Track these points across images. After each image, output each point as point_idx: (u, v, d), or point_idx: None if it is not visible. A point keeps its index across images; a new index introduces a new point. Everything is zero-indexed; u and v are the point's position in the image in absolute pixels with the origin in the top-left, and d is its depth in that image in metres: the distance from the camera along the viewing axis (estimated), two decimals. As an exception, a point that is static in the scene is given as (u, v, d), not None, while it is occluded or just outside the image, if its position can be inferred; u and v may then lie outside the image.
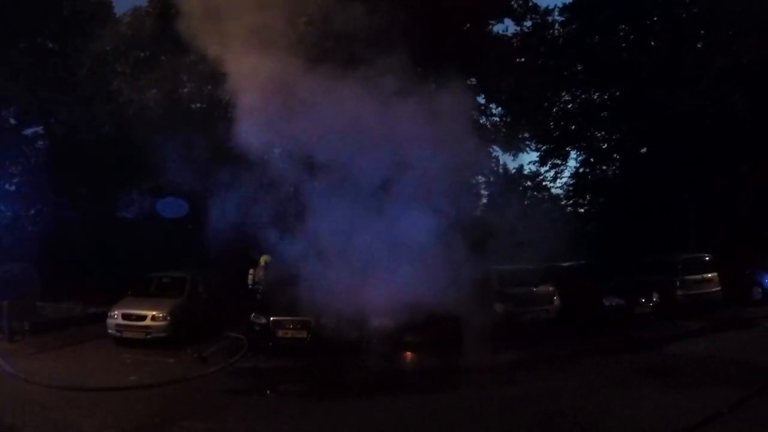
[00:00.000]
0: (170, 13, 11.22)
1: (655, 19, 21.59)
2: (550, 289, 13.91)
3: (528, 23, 21.05)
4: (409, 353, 10.99)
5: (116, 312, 12.40)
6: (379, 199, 10.13)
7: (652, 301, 14.04)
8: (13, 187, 21.45)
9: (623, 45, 21.84)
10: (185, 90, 15.44)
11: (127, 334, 12.21)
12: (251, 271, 13.85)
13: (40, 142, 21.16)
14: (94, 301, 14.92)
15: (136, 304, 12.66)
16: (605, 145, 23.74)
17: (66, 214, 17.84)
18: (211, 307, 14.09)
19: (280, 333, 11.29)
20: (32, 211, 21.33)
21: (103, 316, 12.74)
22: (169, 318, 12.23)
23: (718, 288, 15.35)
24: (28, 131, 20.94)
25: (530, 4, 20.73)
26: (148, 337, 12.09)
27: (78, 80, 17.45)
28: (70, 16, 18.88)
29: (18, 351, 11.49)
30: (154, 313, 12.22)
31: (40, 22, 18.35)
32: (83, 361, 11.02)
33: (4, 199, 21.33)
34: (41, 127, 20.83)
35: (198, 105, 15.93)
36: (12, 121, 20.63)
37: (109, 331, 12.40)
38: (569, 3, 21.77)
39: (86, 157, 17.35)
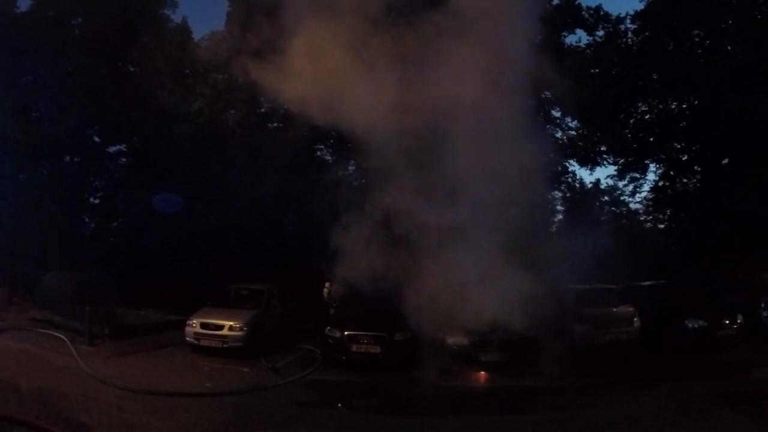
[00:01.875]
0: (245, 37, 11.66)
1: (730, 22, 20.42)
2: (630, 309, 13.26)
3: (600, 33, 20.56)
4: (483, 372, 10.70)
5: (195, 321, 12.80)
6: (460, 214, 9.97)
7: (736, 323, 13.12)
8: (97, 201, 22.99)
9: (698, 51, 20.80)
10: (262, 110, 15.97)
11: (205, 343, 12.53)
12: (326, 284, 14.02)
13: (123, 159, 22.56)
14: (172, 309, 15.49)
15: (215, 313, 13.02)
16: (685, 157, 22.51)
17: (146, 226, 18.76)
18: (287, 320, 14.34)
19: (354, 347, 11.31)
20: (114, 224, 22.68)
21: (181, 324, 13.18)
22: (245, 329, 12.49)
23: (807, 309, 14.10)
24: (112, 149, 22.39)
25: (601, 13, 20.30)
26: (225, 346, 12.37)
27: (159, 101, 18.45)
28: (150, 41, 20.03)
29: (97, 354, 11.83)
30: (231, 323, 12.52)
31: (121, 48, 19.57)
32: (160, 366, 11.32)
33: (89, 212, 22.85)
34: (124, 145, 22.20)
35: (275, 124, 16.44)
36: (96, 139, 22.13)
37: (187, 338, 12.79)
38: (641, 10, 21.05)
39: (167, 172, 18.24)
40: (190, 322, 12.82)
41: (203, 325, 12.64)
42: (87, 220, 23.16)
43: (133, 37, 19.63)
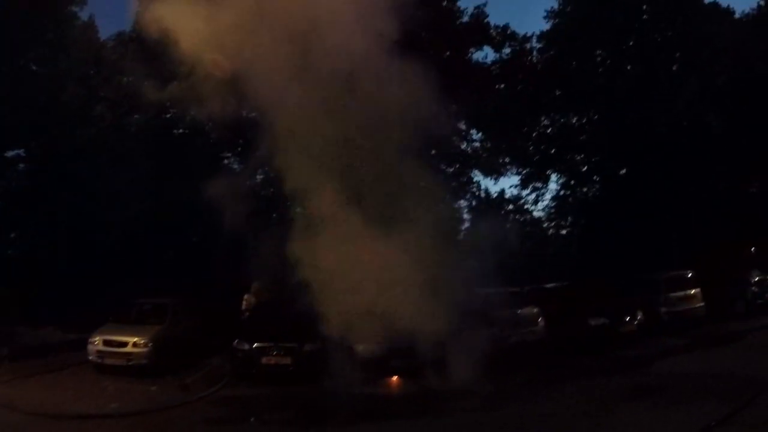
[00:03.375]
0: (153, 39, 11.29)
1: (631, 44, 22.34)
2: (535, 311, 13.97)
3: (507, 50, 21.72)
4: (394, 378, 10.96)
5: (97, 338, 12.23)
6: (366, 222, 10.15)
7: (636, 319, 14.19)
8: (-8, 210, 21.11)
9: (600, 70, 22.57)
10: (167, 116, 15.45)
11: (108, 361, 12.04)
12: (245, 296, 13.77)
13: (21, 165, 20.90)
14: (74, 327, 14.65)
15: (118, 330, 12.48)
16: (585, 168, 24.32)
17: (46, 238, 17.55)
18: (194, 334, 13.90)
19: (264, 359, 11.18)
20: (12, 235, 20.95)
21: (84, 342, 12.56)
22: (150, 345, 12.08)
23: (702, 304, 15.63)
24: (9, 154, 20.67)
25: (508, 32, 21.42)
26: (130, 363, 11.92)
27: (61, 104, 17.36)
28: (55, 39, 18.84)
29: None
30: (135, 339, 12.07)
31: (25, 45, 18.28)
32: (63, 387, 10.85)
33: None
34: (22, 150, 20.60)
35: (180, 130, 15.93)
36: (-8, 142, 20.39)
37: (90, 357, 12.25)
38: (547, 30, 22.52)
39: (67, 180, 17.18)
40: (92, 340, 12.25)
41: (106, 343, 12.11)
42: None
43: (37, 35, 18.36)
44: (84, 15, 20.01)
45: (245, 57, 10.15)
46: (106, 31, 20.72)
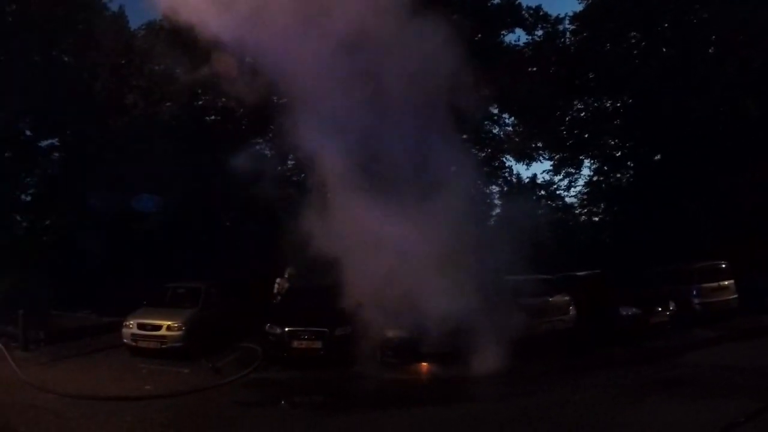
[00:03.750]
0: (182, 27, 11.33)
1: (666, 25, 21.57)
2: (566, 299, 13.76)
3: (539, 33, 21.20)
4: (425, 364, 10.90)
5: (131, 322, 12.43)
6: (397, 208, 10.07)
7: (668, 310, 13.85)
8: (28, 198, 21.74)
9: (634, 52, 21.86)
10: (200, 103, 15.60)
11: (142, 344, 12.21)
12: (278, 280, 13.88)
13: (56, 154, 21.44)
14: (109, 311, 14.99)
15: (152, 314, 12.67)
16: (619, 153, 23.67)
17: (81, 224, 17.99)
18: (227, 318, 14.08)
19: (295, 344, 11.23)
20: (47, 222, 21.57)
21: (119, 326, 12.80)
22: (184, 328, 12.23)
23: (735, 296, 15.20)
24: (44, 143, 21.22)
25: (541, 13, 20.93)
26: (163, 347, 12.09)
27: (93, 93, 17.66)
28: (85, 30, 19.16)
29: (33, 360, 11.54)
30: (169, 323, 12.23)
31: (56, 36, 18.63)
32: (98, 370, 11.05)
33: (20, 210, 21.60)
34: (56, 139, 21.12)
35: (211, 117, 16.09)
36: (28, 132, 20.92)
37: (125, 340, 12.44)
38: (579, 12, 21.86)
39: (101, 168, 17.54)
40: (127, 323, 12.45)
41: (140, 326, 12.29)
42: (19, 218, 21.88)
43: (69, 26, 18.70)
44: (114, 5, 20.41)
45: (269, 37, 10.09)
46: (135, 21, 20.98)
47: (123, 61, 16.73)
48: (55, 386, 9.33)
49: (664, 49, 21.49)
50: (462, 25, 10.79)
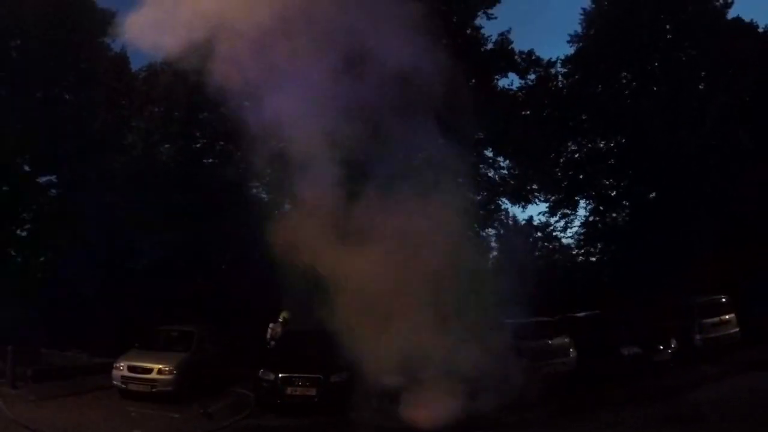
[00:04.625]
0: (184, 71, 11.52)
1: (656, 64, 22.11)
2: (566, 340, 13.68)
3: (532, 76, 21.69)
4: (422, 410, 10.61)
5: (122, 363, 12.23)
6: (393, 252, 10.03)
7: (670, 347, 13.83)
8: (24, 233, 21.62)
9: (625, 92, 22.37)
10: (198, 145, 15.77)
11: (133, 387, 12.00)
12: (271, 325, 13.70)
13: (53, 191, 21.45)
14: (100, 351, 14.76)
15: (143, 356, 12.47)
16: (614, 193, 23.85)
17: (75, 263, 17.85)
18: (219, 362, 13.86)
19: (289, 390, 11.04)
20: (42, 258, 21.39)
21: (109, 367, 12.59)
22: (175, 372, 12.03)
23: (737, 329, 15.15)
24: (42, 179, 21.26)
25: (533, 57, 21.41)
26: (154, 390, 11.88)
27: (92, 132, 17.79)
28: (87, 68, 19.46)
29: (20, 397, 11.36)
30: (160, 366, 12.04)
31: (58, 73, 18.90)
32: (86, 411, 10.85)
33: (15, 245, 21.45)
34: (54, 176, 21.17)
35: (210, 160, 16.23)
36: (26, 168, 20.99)
37: (114, 382, 12.22)
38: (571, 55, 22.46)
39: (97, 206, 17.53)
40: (117, 365, 12.25)
41: (131, 368, 12.09)
42: (13, 253, 21.70)
43: (71, 64, 19.01)
44: (116, 46, 20.80)
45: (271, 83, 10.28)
46: (137, 62, 21.36)
47: (123, 102, 16.93)
48: (42, 426, 9.16)
49: (655, 88, 21.99)
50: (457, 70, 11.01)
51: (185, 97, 11.81)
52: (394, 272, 9.87)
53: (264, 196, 9.88)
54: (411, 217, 10.11)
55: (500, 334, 10.42)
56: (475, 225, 12.16)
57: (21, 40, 19.35)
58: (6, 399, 10.55)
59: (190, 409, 11.14)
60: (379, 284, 9.76)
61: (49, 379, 12.95)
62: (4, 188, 20.30)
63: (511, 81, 21.42)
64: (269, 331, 13.72)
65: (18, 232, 21.46)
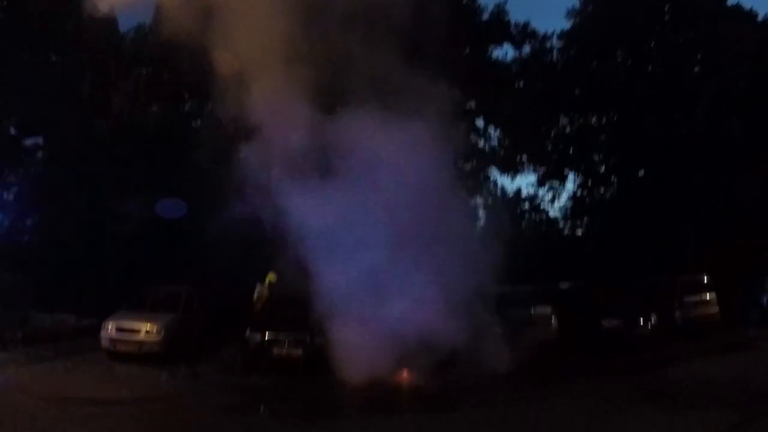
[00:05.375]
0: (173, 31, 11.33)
1: (652, 44, 22.02)
2: (548, 310, 13.89)
3: (527, 49, 21.54)
4: (405, 373, 10.88)
5: (110, 325, 12.34)
6: (379, 220, 10.10)
7: (650, 322, 13.98)
8: (10, 197, 21.44)
9: (620, 70, 22.23)
10: (186, 107, 15.60)
11: (121, 348, 12.14)
12: (257, 287, 13.82)
13: (39, 153, 21.19)
14: (88, 313, 14.84)
15: (131, 317, 12.59)
16: (603, 168, 23.95)
17: (63, 225, 17.78)
18: (207, 323, 13.99)
19: (275, 351, 11.21)
20: (29, 221, 21.27)
21: (97, 328, 12.69)
22: (163, 332, 12.18)
23: (717, 309, 15.39)
24: (28, 142, 20.99)
25: (529, 30, 21.25)
26: (142, 350, 12.03)
27: (80, 94, 17.53)
28: (74, 31, 19.05)
29: (9, 361, 11.45)
30: (148, 327, 12.17)
31: (45, 36, 18.51)
32: (75, 372, 11.03)
33: (1, 209, 21.30)
34: (41, 138, 20.89)
35: (198, 122, 16.08)
36: (12, 131, 20.70)
37: (103, 343, 12.34)
38: (567, 29, 22.26)
39: (85, 169, 17.38)
40: (105, 326, 12.35)
41: (119, 329, 12.24)
42: (0, 217, 21.56)
43: (58, 26, 18.59)
44: (103, 7, 20.27)
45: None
46: (125, 24, 20.93)
47: (111, 64, 16.65)
48: (32, 388, 9.28)
49: (650, 68, 21.93)
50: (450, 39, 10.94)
51: (173, 59, 11.67)
52: (379, 236, 9.96)
53: (251, 157, 9.85)
54: (398, 180, 10.14)
55: (483, 301, 10.55)
56: (464, 192, 12.18)
57: (7, 2, 18.89)
58: None
59: (178, 369, 11.26)
60: (363, 248, 9.87)
61: (39, 342, 13.08)
62: (-10, 152, 20.07)
63: (505, 52, 21.37)
64: (255, 293, 13.85)
65: (4, 195, 21.31)
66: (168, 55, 12.61)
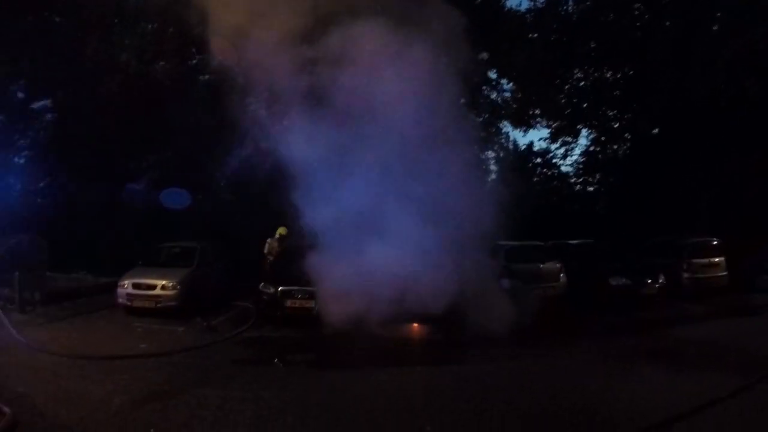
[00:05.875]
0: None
1: (671, -1, 21.15)
2: (557, 266, 13.90)
3: (541, -1, 20.73)
4: (415, 326, 11.05)
5: (126, 281, 12.53)
6: (388, 171, 10.02)
7: (658, 282, 13.95)
8: (22, 160, 21.55)
9: (637, 24, 21.46)
10: (194, 62, 15.33)
11: (137, 304, 12.33)
12: (268, 240, 13.94)
13: (49, 116, 21.16)
14: (104, 271, 15.07)
15: (146, 273, 12.77)
16: (617, 125, 23.48)
17: (75, 186, 17.90)
18: (221, 277, 14.19)
19: (288, 303, 11.36)
20: (41, 184, 21.44)
21: (114, 286, 12.90)
22: (178, 287, 12.35)
23: (725, 273, 15.26)
24: (37, 105, 20.91)
25: (544, -21, 20.40)
26: (158, 306, 12.22)
27: (85, 53, 17.34)
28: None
29: (29, 321, 11.65)
30: (164, 282, 12.34)
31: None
32: (94, 330, 11.19)
33: (14, 172, 21.43)
34: (49, 101, 20.81)
35: (206, 77, 15.83)
36: (20, 95, 20.59)
37: (119, 300, 12.55)
38: (584, -21, 21.39)
39: (95, 129, 17.34)
40: (122, 283, 12.56)
41: (135, 286, 12.41)
42: (12, 181, 21.73)
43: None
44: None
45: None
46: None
47: (116, 20, 16.35)
48: (52, 346, 9.47)
49: (668, 23, 21.12)
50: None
51: (179, 13, 11.42)
52: (388, 189, 9.90)
53: (263, 112, 9.72)
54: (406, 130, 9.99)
55: (493, 255, 10.52)
56: (475, 145, 11.99)
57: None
58: (15, 323, 10.76)
59: (194, 322, 11.54)
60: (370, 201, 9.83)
61: (57, 302, 13.30)
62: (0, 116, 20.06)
63: (519, 2, 20.72)
64: (266, 246, 13.98)
65: (15, 159, 21.42)
66: (173, 8, 12.30)
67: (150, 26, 16.24)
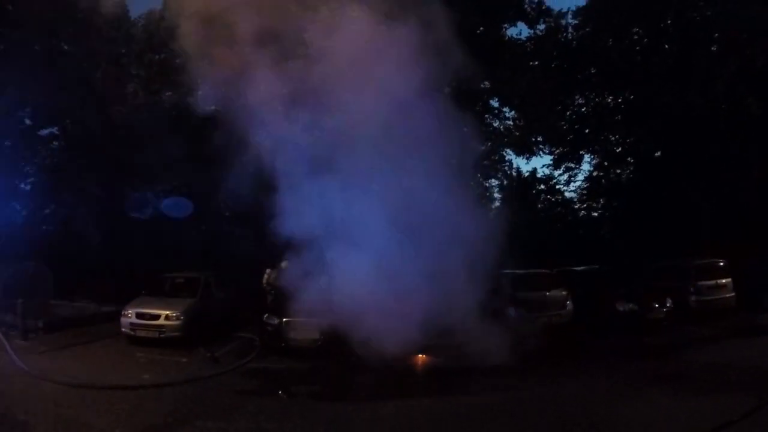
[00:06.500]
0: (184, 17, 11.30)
1: (669, 22, 21.45)
2: (563, 293, 13.83)
3: (541, 27, 21.13)
4: (421, 356, 10.94)
5: (130, 311, 12.51)
6: (392, 203, 10.06)
7: (665, 306, 13.87)
8: (28, 187, 21.72)
9: (637, 48, 21.74)
10: (199, 92, 15.55)
11: (141, 333, 12.30)
12: (267, 271, 13.90)
13: (55, 143, 21.42)
14: (108, 300, 15.04)
15: (150, 303, 12.77)
16: (619, 149, 23.62)
17: (80, 214, 17.99)
18: (225, 308, 14.16)
19: (292, 334, 11.32)
20: (47, 211, 21.58)
21: (117, 315, 12.89)
22: (182, 318, 12.33)
23: (732, 294, 15.18)
24: (44, 132, 21.19)
25: (543, 7, 20.83)
26: (162, 336, 12.18)
27: (93, 82, 17.63)
28: (85, 18, 19.06)
29: (32, 348, 11.59)
30: (167, 312, 12.32)
31: (56, 25, 18.54)
32: (96, 359, 11.12)
33: (19, 198, 21.58)
34: (56, 128, 21.08)
35: (212, 107, 16.04)
36: (27, 121, 20.87)
37: (123, 329, 12.52)
38: (582, 6, 21.80)
39: (100, 157, 17.52)
40: (126, 312, 12.54)
41: (139, 315, 12.39)
42: (18, 207, 21.88)
43: (69, 15, 18.62)
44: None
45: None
46: (135, 10, 20.89)
47: (123, 50, 16.68)
48: (54, 375, 9.38)
49: (667, 46, 21.40)
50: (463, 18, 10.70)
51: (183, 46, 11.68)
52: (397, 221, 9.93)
53: (267, 143, 9.84)
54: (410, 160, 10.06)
55: (499, 284, 10.47)
56: (479, 174, 12.07)
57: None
58: (18, 350, 10.73)
59: (198, 353, 11.45)
60: (374, 233, 9.85)
61: (59, 330, 13.27)
62: (6, 143, 20.28)
63: (519, 30, 21.00)
64: (265, 276, 13.94)
65: (22, 185, 21.60)
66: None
67: (157, 56, 16.53)
